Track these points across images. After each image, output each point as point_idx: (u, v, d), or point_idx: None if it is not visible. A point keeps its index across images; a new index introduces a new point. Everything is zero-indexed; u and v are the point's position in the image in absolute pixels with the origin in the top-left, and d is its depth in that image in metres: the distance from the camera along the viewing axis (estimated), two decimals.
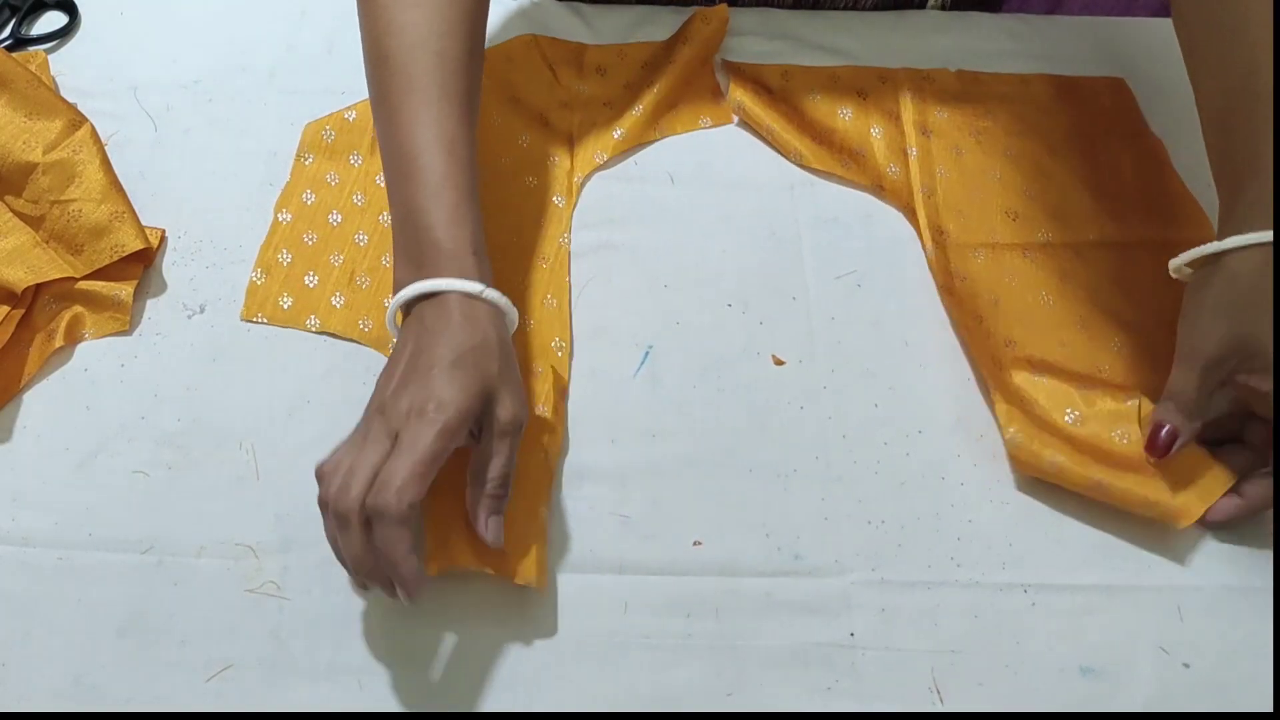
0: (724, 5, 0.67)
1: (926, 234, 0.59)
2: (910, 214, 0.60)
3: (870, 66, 0.66)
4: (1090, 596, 0.48)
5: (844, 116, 0.63)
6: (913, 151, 0.62)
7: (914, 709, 0.45)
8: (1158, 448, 0.48)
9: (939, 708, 0.45)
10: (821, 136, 0.63)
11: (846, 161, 0.62)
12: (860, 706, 0.45)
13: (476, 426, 0.44)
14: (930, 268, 0.58)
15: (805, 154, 0.62)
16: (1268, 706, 0.45)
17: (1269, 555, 0.49)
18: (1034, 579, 0.48)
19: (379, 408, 0.43)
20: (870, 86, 0.65)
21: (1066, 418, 0.51)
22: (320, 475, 0.42)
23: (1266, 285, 0.45)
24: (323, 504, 0.42)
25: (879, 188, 0.61)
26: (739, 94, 0.63)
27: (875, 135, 0.63)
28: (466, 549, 0.46)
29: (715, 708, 0.45)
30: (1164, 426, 0.48)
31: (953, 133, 0.63)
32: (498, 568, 0.46)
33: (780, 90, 0.65)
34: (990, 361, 0.54)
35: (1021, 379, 0.52)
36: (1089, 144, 0.63)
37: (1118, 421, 0.51)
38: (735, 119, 0.64)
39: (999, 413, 0.51)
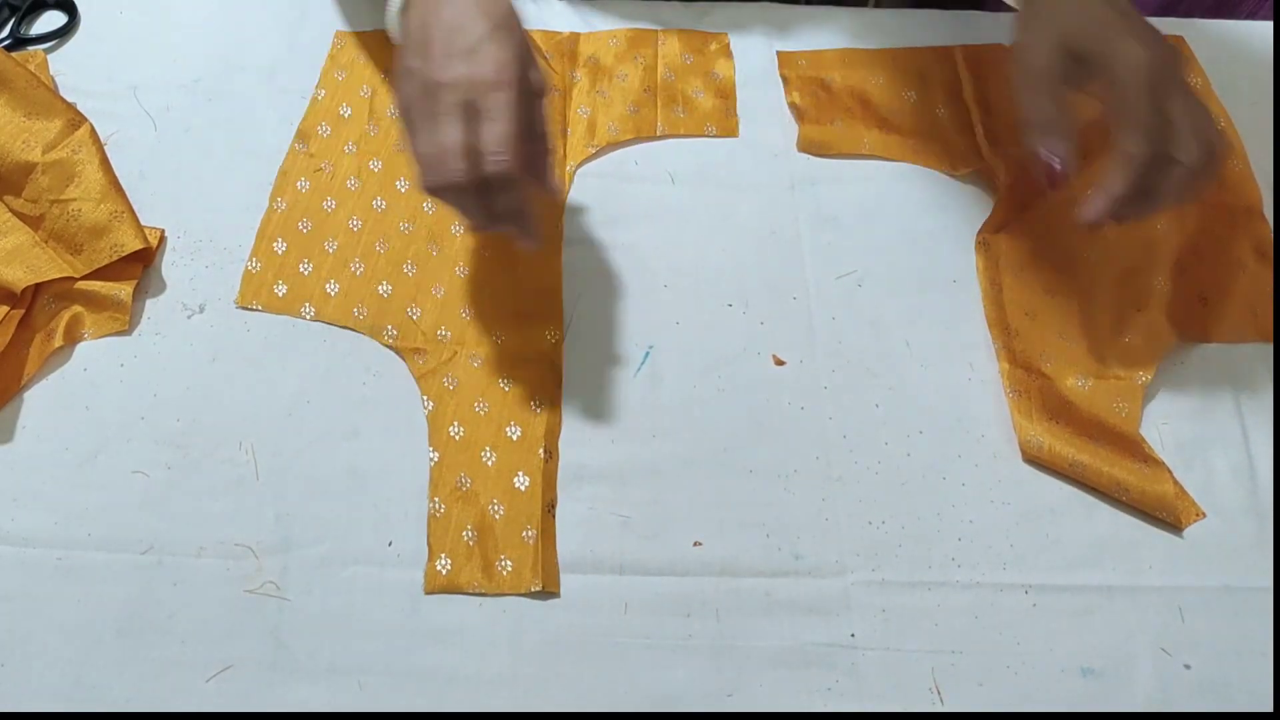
0: (725, 34, 0.67)
1: (1003, 185, 0.60)
2: (988, 181, 0.61)
3: (926, 46, 0.67)
4: (1090, 596, 0.48)
5: (908, 99, 0.64)
6: (979, 129, 0.63)
7: (914, 709, 0.45)
8: (1053, 179, 0.48)
9: (939, 708, 0.45)
10: (888, 124, 0.64)
11: (916, 147, 0.63)
12: (860, 706, 0.45)
13: None
14: (987, 222, 0.59)
15: (874, 143, 0.63)
16: (1268, 707, 0.46)
17: (1269, 555, 0.49)
18: (1034, 579, 0.48)
19: (425, 90, 0.43)
20: (929, 67, 0.66)
21: (1077, 382, 0.53)
22: (421, 169, 0.44)
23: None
24: (433, 190, 0.44)
25: (952, 168, 0.62)
26: (806, 129, 0.63)
27: (941, 115, 0.64)
28: (469, 574, 0.47)
29: (715, 708, 0.45)
30: (1042, 158, 0.48)
31: (1012, 109, 0.63)
32: (501, 588, 0.47)
33: (843, 77, 0.65)
34: (1003, 330, 0.55)
35: (1039, 338, 0.54)
36: None
37: (1122, 396, 0.52)
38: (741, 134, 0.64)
39: (1006, 385, 0.53)
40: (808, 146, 0.63)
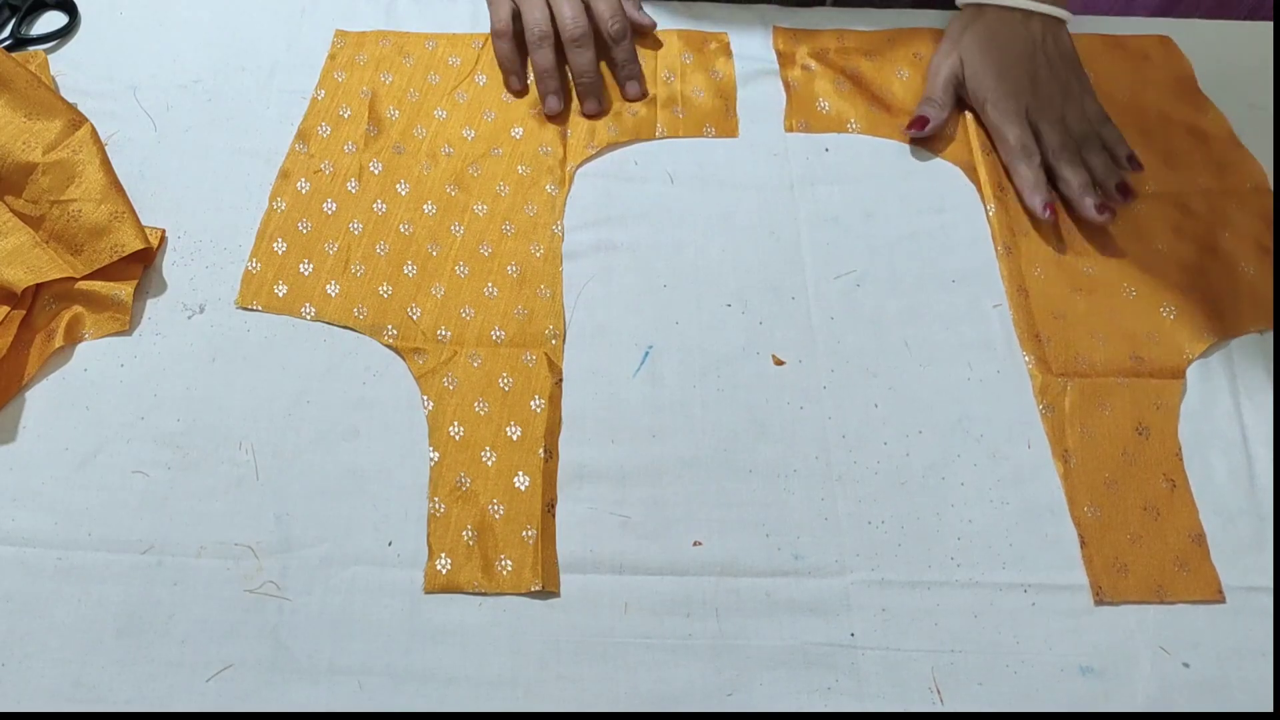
0: (725, 33, 0.67)
1: (988, 190, 0.60)
2: (970, 171, 0.62)
3: (925, 27, 0.68)
4: (1090, 596, 0.48)
5: (901, 77, 0.65)
6: (969, 114, 0.64)
7: (914, 709, 0.45)
8: (914, 126, 0.62)
9: (939, 708, 0.45)
10: (878, 100, 0.64)
11: (903, 126, 0.63)
12: (860, 706, 0.45)
13: None
14: (991, 227, 0.59)
15: (860, 121, 0.63)
16: (1268, 706, 0.46)
17: (1269, 555, 0.49)
18: (1034, 579, 0.48)
19: None
20: (926, 48, 0.66)
21: (1118, 380, 0.53)
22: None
23: (993, 39, 0.62)
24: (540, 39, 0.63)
25: (938, 147, 0.63)
26: (794, 107, 0.64)
27: None
28: (469, 574, 0.47)
29: (715, 708, 0.45)
30: (923, 116, 0.62)
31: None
32: (501, 588, 0.47)
33: (838, 54, 0.66)
34: (1032, 339, 0.55)
35: (1071, 339, 0.55)
36: (1138, 97, 0.65)
37: (1161, 395, 0.53)
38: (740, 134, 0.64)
39: (1037, 390, 0.53)
40: (794, 124, 0.63)
